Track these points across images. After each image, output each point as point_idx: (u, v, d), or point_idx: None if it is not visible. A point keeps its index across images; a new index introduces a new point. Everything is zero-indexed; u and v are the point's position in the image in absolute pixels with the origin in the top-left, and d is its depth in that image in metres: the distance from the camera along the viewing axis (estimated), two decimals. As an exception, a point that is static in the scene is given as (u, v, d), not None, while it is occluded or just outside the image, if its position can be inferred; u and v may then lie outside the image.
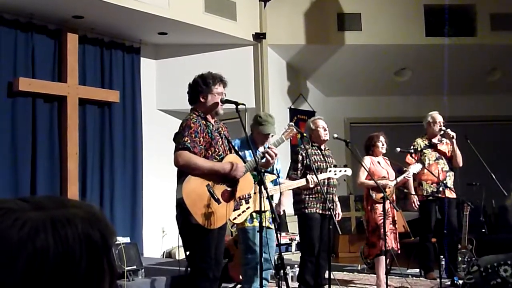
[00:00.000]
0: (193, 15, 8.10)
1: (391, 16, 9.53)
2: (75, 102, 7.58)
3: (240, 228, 5.30)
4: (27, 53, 7.32)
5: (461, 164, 7.07)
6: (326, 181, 5.83)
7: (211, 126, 4.44)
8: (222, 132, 4.57)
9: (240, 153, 5.17)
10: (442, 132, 7.08)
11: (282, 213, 6.01)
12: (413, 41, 9.60)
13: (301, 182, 5.65)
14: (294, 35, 9.51)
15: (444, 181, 6.93)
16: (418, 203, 7.03)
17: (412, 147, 7.17)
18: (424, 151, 7.13)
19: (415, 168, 6.70)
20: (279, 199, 5.96)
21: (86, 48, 7.96)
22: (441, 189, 6.87)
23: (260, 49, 9.08)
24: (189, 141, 4.23)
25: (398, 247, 6.59)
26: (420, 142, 7.22)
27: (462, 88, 10.59)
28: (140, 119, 8.54)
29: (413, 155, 7.12)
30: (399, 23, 9.53)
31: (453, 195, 6.99)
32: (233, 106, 4.29)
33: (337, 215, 6.08)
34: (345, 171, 5.89)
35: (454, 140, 7.00)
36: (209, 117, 4.49)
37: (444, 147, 7.19)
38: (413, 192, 7.03)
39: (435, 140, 7.21)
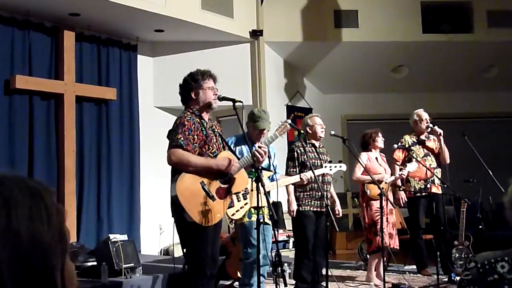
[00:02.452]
0: (190, 12, 8.09)
1: (388, 13, 9.53)
2: (72, 100, 7.58)
3: (239, 223, 5.32)
4: (24, 51, 7.30)
5: (448, 161, 7.08)
6: (320, 178, 5.83)
7: (205, 124, 4.44)
8: (216, 130, 4.57)
9: (237, 148, 5.20)
10: (429, 129, 7.10)
11: (294, 214, 5.95)
12: (410, 38, 9.61)
13: (296, 178, 5.68)
14: (291, 32, 9.51)
15: (432, 178, 6.98)
16: (406, 200, 7.05)
17: (399, 143, 7.19)
18: (412, 147, 7.16)
19: (411, 166, 6.73)
20: (289, 199, 5.94)
21: (83, 46, 7.94)
22: (428, 186, 6.92)
23: (257, 46, 9.08)
24: (182, 138, 4.24)
25: (397, 244, 6.63)
26: (408, 139, 7.25)
27: (459, 85, 10.61)
28: (137, 117, 8.54)
29: (401, 151, 7.16)
30: (396, 20, 9.54)
31: (440, 191, 7.01)
32: (231, 103, 4.29)
33: (338, 212, 6.12)
34: (340, 166, 5.91)
35: (441, 137, 7.03)
36: (203, 114, 4.49)
37: (432, 143, 7.22)
38: (401, 187, 7.06)
39: (422, 137, 7.24)
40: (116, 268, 5.62)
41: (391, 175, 6.77)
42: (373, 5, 9.55)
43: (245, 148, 5.18)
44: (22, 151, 7.19)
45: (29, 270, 0.98)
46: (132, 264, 5.83)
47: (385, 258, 6.41)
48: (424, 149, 7.16)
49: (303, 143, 5.95)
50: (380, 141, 6.73)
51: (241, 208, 5.15)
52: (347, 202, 9.75)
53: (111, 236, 5.98)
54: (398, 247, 6.68)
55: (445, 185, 6.80)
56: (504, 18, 9.66)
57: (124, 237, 6.15)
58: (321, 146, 6.20)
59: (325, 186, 5.94)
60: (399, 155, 7.14)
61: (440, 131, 6.99)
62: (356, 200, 9.09)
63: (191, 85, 4.47)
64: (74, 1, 7.13)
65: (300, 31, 9.52)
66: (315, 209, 5.89)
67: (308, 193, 5.88)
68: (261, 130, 5.40)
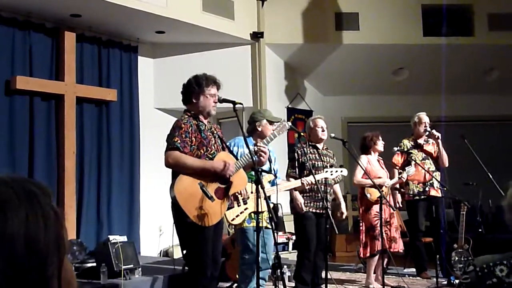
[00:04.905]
0: (191, 14, 8.10)
1: (388, 15, 9.54)
2: (72, 101, 7.58)
3: (238, 228, 5.30)
4: (24, 52, 7.31)
5: (446, 165, 7.11)
6: (322, 180, 5.81)
7: (203, 126, 4.44)
8: (215, 132, 4.57)
9: (243, 149, 5.20)
10: (427, 132, 7.12)
11: (302, 207, 5.94)
12: (410, 41, 9.61)
13: (297, 183, 5.65)
14: (291, 34, 9.51)
15: (431, 181, 7.00)
16: (401, 203, 7.12)
17: (398, 147, 7.20)
18: (411, 151, 7.18)
19: (410, 170, 6.75)
20: (296, 197, 5.90)
21: (83, 47, 7.95)
22: (427, 189, 6.94)
23: (257, 48, 9.08)
24: (179, 141, 4.25)
25: (402, 247, 6.63)
26: (407, 143, 7.29)
27: (460, 88, 10.61)
28: (137, 118, 8.54)
29: (400, 155, 7.19)
30: (396, 23, 9.54)
31: (439, 194, 7.04)
32: (231, 105, 4.28)
33: (341, 214, 6.12)
34: (341, 171, 5.89)
35: (439, 141, 7.05)
36: (201, 117, 4.49)
37: (430, 147, 7.24)
38: (400, 190, 7.09)
39: (420, 141, 7.27)
40: (115, 269, 5.63)
41: (390, 179, 6.77)
42: (374, 7, 9.56)
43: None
44: (22, 152, 7.19)
45: (24, 279, 0.94)
46: (132, 266, 5.84)
47: (384, 261, 6.42)
48: (423, 153, 7.18)
49: (304, 144, 5.95)
50: (380, 145, 6.72)
51: (241, 213, 5.13)
52: (347, 204, 9.71)
53: (111, 237, 5.99)
54: (402, 251, 6.67)
55: (445, 188, 6.81)
56: (505, 21, 9.65)
57: (124, 238, 6.16)
58: (324, 148, 6.16)
59: (326, 188, 5.91)
60: (398, 159, 7.18)
61: (438, 134, 7.01)
62: (356, 203, 9.08)
63: (193, 88, 4.47)
64: (75, 2, 7.14)
65: (301, 33, 9.52)
66: (315, 210, 5.87)
67: (308, 195, 5.87)
68: (274, 122, 5.32)
